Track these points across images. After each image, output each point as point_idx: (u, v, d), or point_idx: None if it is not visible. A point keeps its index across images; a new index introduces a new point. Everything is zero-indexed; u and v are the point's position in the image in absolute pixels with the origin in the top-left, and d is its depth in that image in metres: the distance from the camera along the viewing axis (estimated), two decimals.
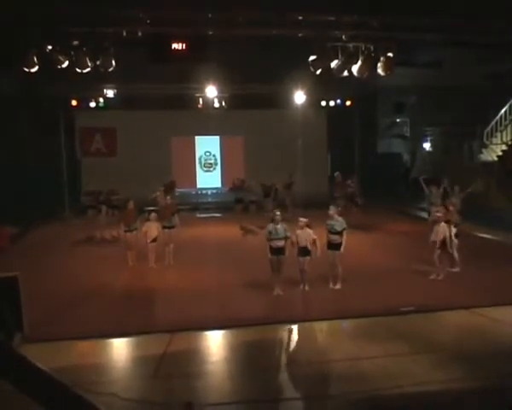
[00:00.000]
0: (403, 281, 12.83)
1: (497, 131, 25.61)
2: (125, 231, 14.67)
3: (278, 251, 11.64)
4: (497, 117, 25.44)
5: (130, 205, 15.14)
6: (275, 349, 9.17)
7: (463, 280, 12.71)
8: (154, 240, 14.41)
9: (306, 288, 12.03)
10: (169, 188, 23.52)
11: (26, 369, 3.16)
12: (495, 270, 13.30)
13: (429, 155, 30.10)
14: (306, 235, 11.85)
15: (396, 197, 25.48)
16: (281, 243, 11.67)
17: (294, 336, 9.86)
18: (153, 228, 14.34)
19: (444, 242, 12.67)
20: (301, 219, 12.05)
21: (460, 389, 7.47)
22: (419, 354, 8.55)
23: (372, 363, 8.24)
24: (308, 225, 11.96)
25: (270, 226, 11.75)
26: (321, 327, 10.24)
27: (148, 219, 14.47)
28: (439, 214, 13.05)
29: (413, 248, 16.00)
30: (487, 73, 24.20)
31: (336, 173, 22.96)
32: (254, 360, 8.62)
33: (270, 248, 11.67)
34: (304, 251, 11.81)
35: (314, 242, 11.82)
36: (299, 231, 11.87)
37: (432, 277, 12.81)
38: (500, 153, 24.61)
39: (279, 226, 11.71)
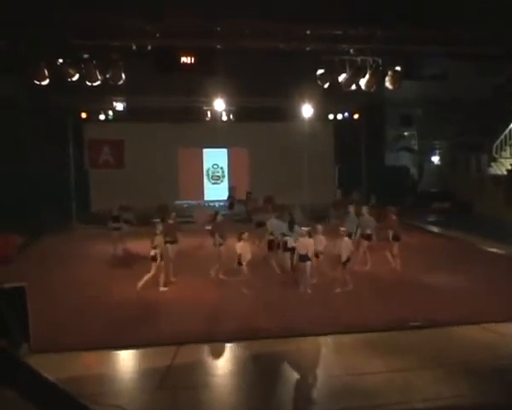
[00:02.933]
0: (410, 294, 12.79)
1: (506, 144, 25.56)
2: (166, 242, 14.09)
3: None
4: (507, 130, 25.38)
5: (173, 217, 14.95)
6: (280, 363, 9.14)
7: (472, 295, 12.63)
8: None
9: (309, 291, 12.76)
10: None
11: (32, 379, 3.17)
12: (504, 285, 13.20)
13: (437, 168, 30.08)
14: (308, 243, 12.79)
15: (403, 210, 25.38)
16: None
17: (299, 350, 9.80)
18: (247, 249, 13.15)
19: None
20: (303, 228, 13.20)
21: (467, 405, 7.41)
22: (425, 370, 8.51)
23: (379, 378, 8.20)
24: (310, 234, 13.02)
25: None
26: (326, 341, 10.19)
27: (240, 239, 13.18)
28: (343, 229, 13.33)
29: (419, 261, 16.03)
30: (495, 85, 24.20)
31: (337, 191, 22.81)
32: (259, 374, 8.61)
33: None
34: (304, 257, 12.72)
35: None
36: (301, 239, 12.90)
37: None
38: (510, 167, 24.55)
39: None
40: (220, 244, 14.40)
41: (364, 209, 15.34)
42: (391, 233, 15.18)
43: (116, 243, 17.91)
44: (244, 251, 13.01)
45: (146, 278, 13.05)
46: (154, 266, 13.04)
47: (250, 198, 25.86)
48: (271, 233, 14.67)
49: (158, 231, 13.24)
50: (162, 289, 13.24)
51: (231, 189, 26.04)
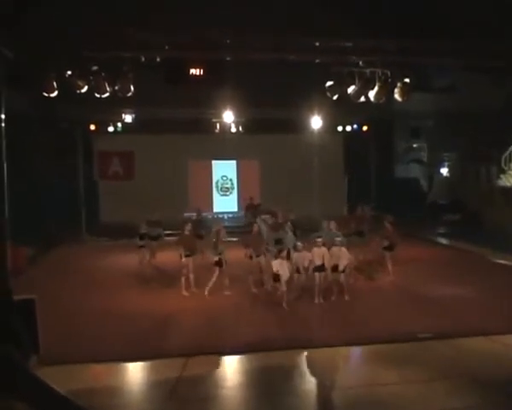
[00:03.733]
0: (418, 306, 12.71)
1: None
2: (186, 256, 14.04)
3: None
4: None
5: (188, 228, 14.63)
6: (290, 375, 9.09)
7: (480, 306, 12.55)
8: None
9: (321, 300, 13.04)
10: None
11: (42, 391, 3.16)
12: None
13: (447, 179, 30.00)
14: (322, 252, 13.11)
15: (412, 222, 25.31)
16: None
17: (310, 362, 9.75)
18: (284, 267, 12.68)
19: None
20: (318, 239, 13.44)
21: None
22: (435, 381, 8.44)
23: (390, 389, 8.14)
24: (324, 244, 13.30)
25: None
26: (336, 352, 10.12)
27: (278, 256, 13.06)
28: (338, 239, 13.60)
29: (428, 273, 15.98)
30: (505, 97, 24.10)
31: (344, 207, 22.80)
32: (270, 386, 8.55)
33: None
34: (319, 267, 13.01)
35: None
36: (315, 249, 13.15)
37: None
38: None
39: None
40: (251, 257, 14.27)
41: (332, 224, 14.72)
42: (385, 243, 15.41)
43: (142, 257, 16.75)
44: (282, 269, 12.52)
45: (211, 283, 13.76)
46: (218, 271, 13.84)
47: (259, 210, 25.79)
48: None
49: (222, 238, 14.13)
50: (227, 292, 13.92)
51: (247, 200, 26.01)
